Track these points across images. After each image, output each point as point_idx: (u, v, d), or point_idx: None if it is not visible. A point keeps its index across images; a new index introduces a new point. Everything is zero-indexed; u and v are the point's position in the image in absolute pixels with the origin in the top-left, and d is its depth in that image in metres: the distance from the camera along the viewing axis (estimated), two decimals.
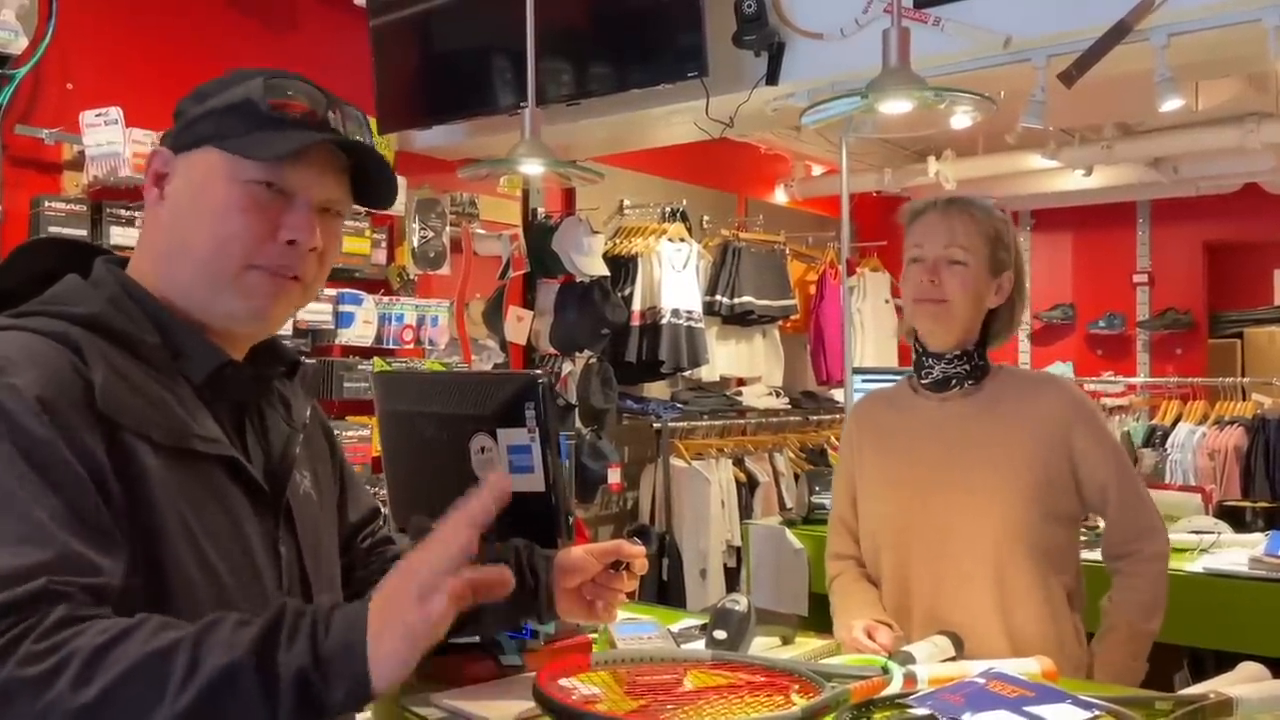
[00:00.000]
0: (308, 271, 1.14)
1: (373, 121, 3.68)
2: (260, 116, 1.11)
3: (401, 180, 3.82)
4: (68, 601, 0.89)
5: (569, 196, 4.85)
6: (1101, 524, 2.00)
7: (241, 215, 1.10)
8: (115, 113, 3.07)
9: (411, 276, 3.99)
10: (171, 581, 1.00)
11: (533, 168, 2.64)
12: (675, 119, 3.58)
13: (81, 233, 3.02)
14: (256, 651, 0.87)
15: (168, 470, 1.02)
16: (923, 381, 1.93)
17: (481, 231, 4.31)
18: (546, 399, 1.53)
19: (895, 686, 1.36)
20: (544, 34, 2.89)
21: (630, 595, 1.52)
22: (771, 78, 3.07)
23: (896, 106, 2.01)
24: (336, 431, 3.87)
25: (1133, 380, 6.40)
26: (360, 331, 3.69)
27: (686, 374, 5.07)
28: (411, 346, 3.88)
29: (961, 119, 2.07)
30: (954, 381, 1.90)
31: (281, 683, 0.87)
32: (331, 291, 3.64)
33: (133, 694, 0.85)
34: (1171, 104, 2.64)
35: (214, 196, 1.10)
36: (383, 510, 1.49)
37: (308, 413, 1.25)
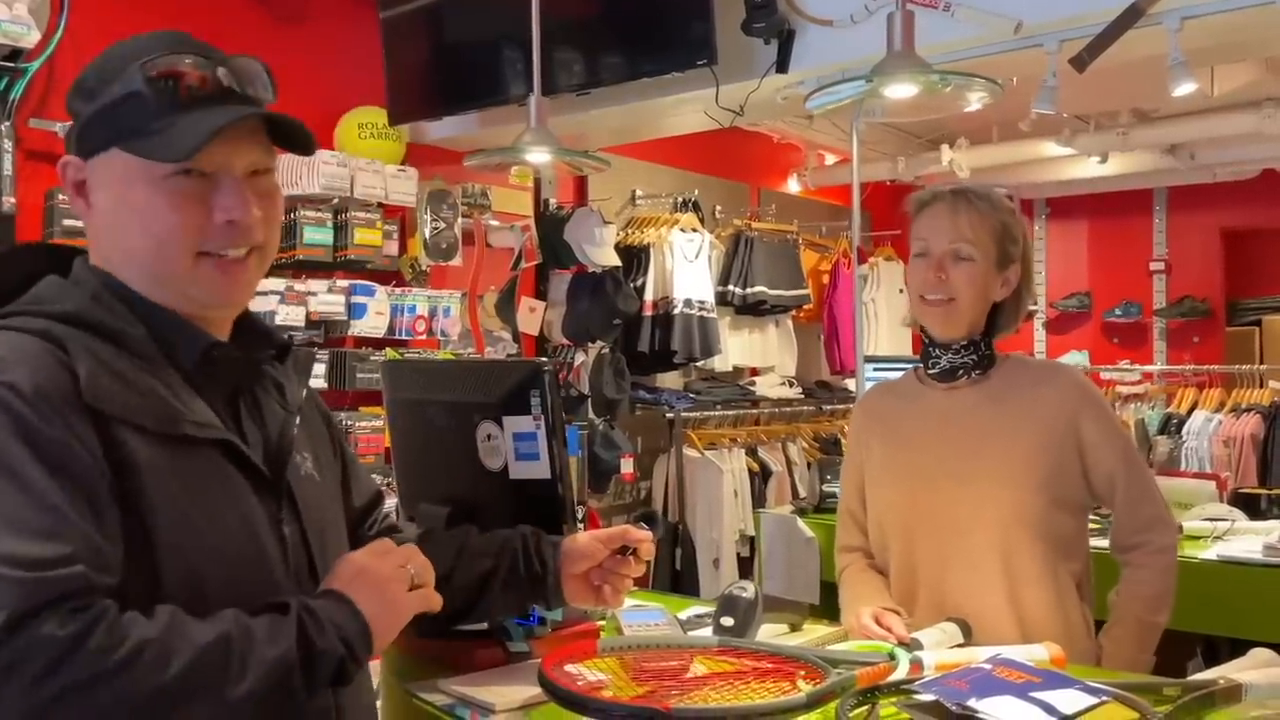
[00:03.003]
0: (256, 238, 1.13)
1: (383, 113, 3.69)
2: (151, 106, 1.07)
3: (413, 171, 3.82)
4: (103, 592, 0.95)
5: (581, 187, 4.84)
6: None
7: (171, 212, 1.08)
8: None
9: (424, 268, 4.00)
10: (164, 569, 1.01)
11: (537, 156, 2.63)
12: (685, 108, 3.58)
13: None
14: (302, 646, 1.03)
15: (163, 459, 1.04)
16: (930, 371, 1.92)
17: (494, 223, 4.32)
18: (551, 386, 1.53)
19: (901, 672, 1.36)
20: (553, 23, 2.88)
21: (640, 582, 1.53)
22: (781, 66, 3.05)
23: (901, 90, 2.00)
24: (350, 422, 3.84)
25: (1149, 368, 6.35)
26: (373, 322, 3.70)
27: (699, 364, 5.07)
28: (424, 337, 3.89)
29: (969, 103, 2.05)
30: (961, 371, 1.89)
31: (321, 670, 1.05)
32: (344, 283, 3.65)
33: (203, 677, 0.96)
34: (1184, 89, 2.62)
35: (138, 200, 1.08)
36: (386, 495, 1.50)
37: (303, 395, 1.24)
